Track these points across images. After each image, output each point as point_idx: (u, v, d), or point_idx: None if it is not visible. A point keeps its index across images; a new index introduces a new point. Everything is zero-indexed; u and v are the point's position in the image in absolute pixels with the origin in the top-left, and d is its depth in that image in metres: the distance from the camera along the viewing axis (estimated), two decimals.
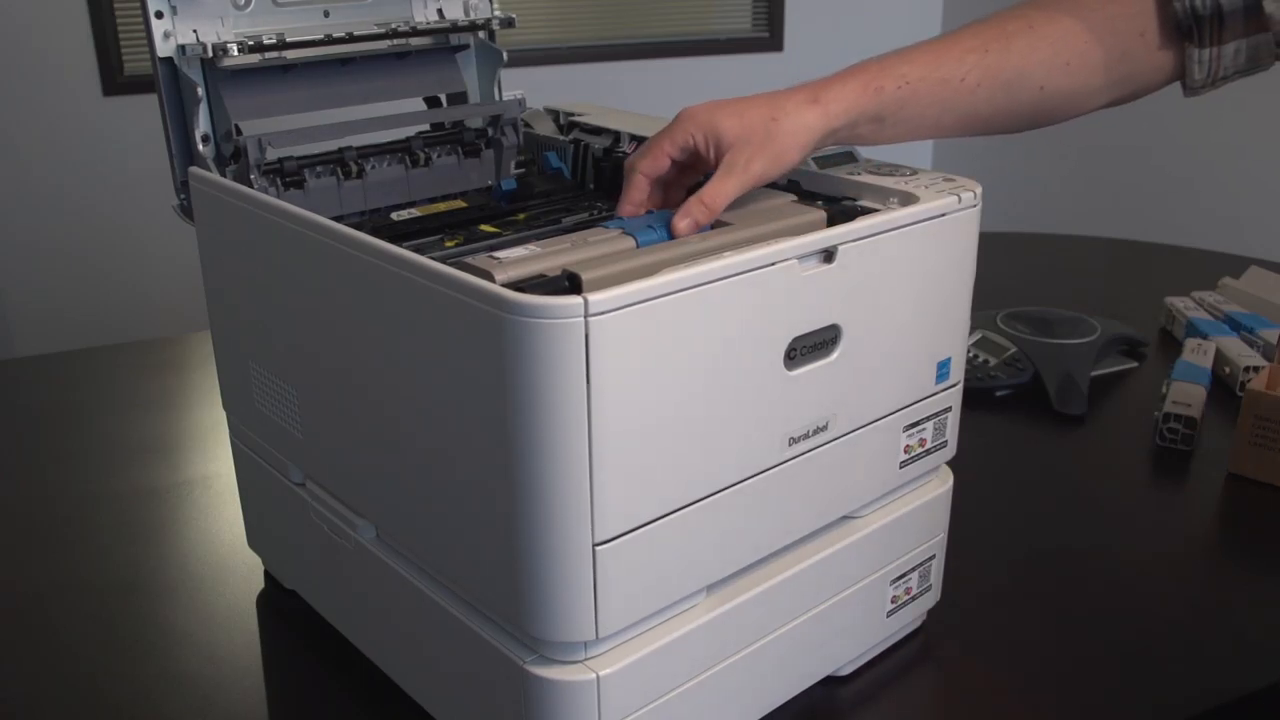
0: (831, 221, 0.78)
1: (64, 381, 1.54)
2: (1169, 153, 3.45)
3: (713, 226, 0.77)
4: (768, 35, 3.85)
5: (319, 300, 0.79)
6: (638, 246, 0.73)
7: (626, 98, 3.57)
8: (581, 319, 0.59)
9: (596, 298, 0.59)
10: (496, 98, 1.10)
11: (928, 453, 0.88)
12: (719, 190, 0.77)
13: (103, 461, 1.31)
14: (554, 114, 1.11)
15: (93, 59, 3.09)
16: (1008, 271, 1.90)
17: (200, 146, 0.94)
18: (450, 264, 0.66)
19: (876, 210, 0.78)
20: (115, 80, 3.11)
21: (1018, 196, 3.88)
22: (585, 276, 0.65)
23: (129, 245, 3.16)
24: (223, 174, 0.94)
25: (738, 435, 0.71)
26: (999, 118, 0.88)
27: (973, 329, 1.50)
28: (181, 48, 0.94)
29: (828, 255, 0.71)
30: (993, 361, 1.45)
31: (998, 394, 1.42)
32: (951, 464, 0.94)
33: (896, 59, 0.84)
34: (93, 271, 3.21)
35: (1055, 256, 2.10)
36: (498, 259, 0.68)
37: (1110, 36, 0.87)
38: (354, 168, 0.99)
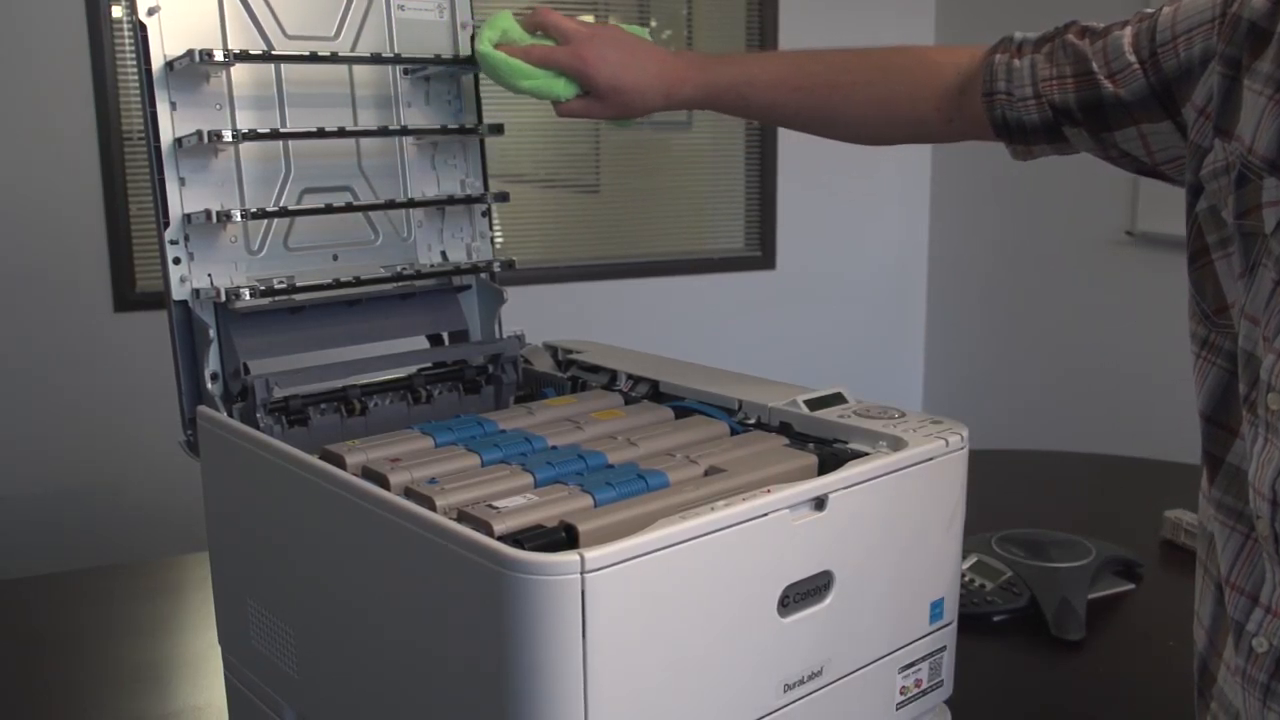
0: (822, 466, 0.80)
1: (62, 604, 1.53)
2: (1156, 368, 3.51)
3: (707, 473, 0.79)
4: (760, 254, 3.97)
5: (320, 543, 0.80)
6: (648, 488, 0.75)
7: (623, 314, 3.65)
8: (578, 575, 0.60)
9: (592, 554, 0.61)
10: (497, 335, 1.14)
11: (924, 693, 0.87)
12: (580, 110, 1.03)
13: (94, 690, 1.29)
14: (552, 350, 1.15)
15: (107, 275, 3.18)
16: (1001, 491, 1.91)
17: (209, 384, 0.97)
18: (450, 511, 0.68)
19: (866, 454, 0.81)
20: (127, 297, 3.19)
21: (1008, 413, 3.93)
22: (582, 528, 0.67)
23: (134, 463, 3.18)
24: (229, 411, 0.96)
25: (732, 683, 0.71)
26: (811, 129, 1.08)
27: (968, 553, 1.50)
28: (196, 291, 0.98)
29: (819, 503, 0.73)
30: (989, 586, 1.45)
31: (995, 619, 1.41)
32: (950, 700, 0.93)
33: (746, 73, 1.04)
34: (96, 487, 3.22)
35: (1049, 473, 2.11)
36: (496, 508, 0.70)
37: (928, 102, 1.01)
38: (357, 405, 1.02)
